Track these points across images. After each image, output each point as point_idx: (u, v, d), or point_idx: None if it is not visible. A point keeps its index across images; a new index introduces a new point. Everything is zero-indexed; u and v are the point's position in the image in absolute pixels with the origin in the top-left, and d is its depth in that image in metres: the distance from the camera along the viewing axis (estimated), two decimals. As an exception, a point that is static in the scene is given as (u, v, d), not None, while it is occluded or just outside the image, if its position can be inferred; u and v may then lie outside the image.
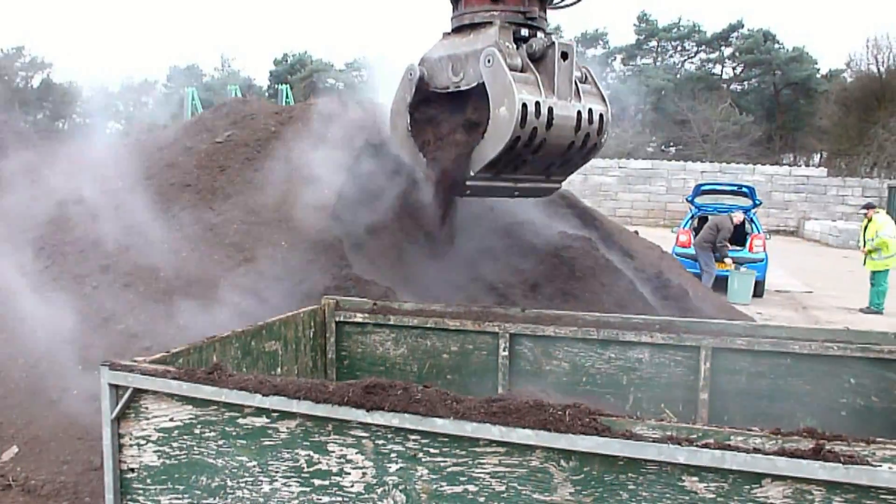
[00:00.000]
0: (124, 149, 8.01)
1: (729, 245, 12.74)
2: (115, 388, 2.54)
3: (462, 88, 4.27)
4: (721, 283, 12.72)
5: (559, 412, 2.03)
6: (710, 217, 14.32)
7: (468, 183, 4.18)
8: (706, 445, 1.90)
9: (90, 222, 6.21)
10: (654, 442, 1.93)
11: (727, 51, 48.31)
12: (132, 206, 6.39)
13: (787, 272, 16.59)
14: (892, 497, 1.78)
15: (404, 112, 4.51)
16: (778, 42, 46.19)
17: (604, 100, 4.45)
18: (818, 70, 45.60)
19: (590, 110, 4.27)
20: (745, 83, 48.88)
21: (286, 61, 49.67)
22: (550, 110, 4.03)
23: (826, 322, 10.70)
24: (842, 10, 75.12)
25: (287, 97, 22.83)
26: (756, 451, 1.87)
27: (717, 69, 49.37)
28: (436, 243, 6.07)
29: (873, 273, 12.53)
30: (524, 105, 3.88)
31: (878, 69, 36.95)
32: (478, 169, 4.08)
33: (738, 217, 13.10)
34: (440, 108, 4.47)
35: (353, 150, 6.83)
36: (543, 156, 4.24)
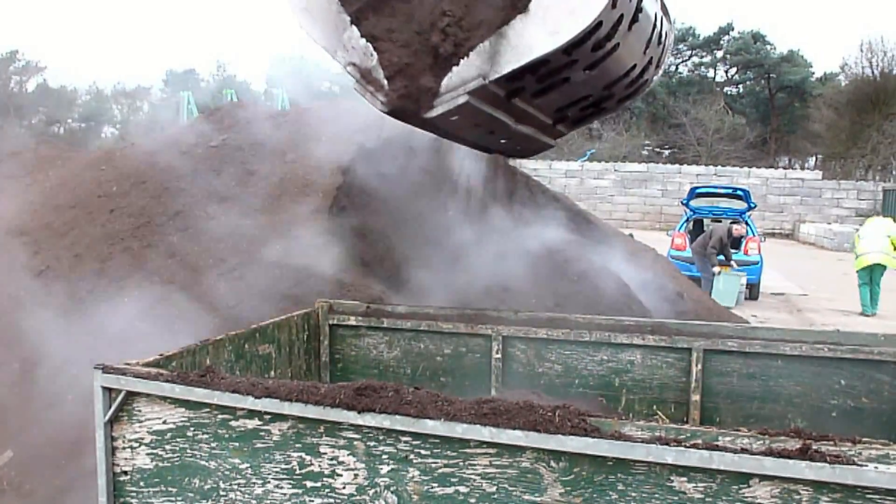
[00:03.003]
0: (120, 153, 8.02)
1: (717, 252, 12.72)
2: (108, 391, 2.55)
3: None
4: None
5: (549, 413, 2.04)
6: (705, 221, 14.39)
7: (468, 101, 2.47)
8: (694, 446, 1.91)
9: (85, 226, 6.22)
10: (642, 442, 1.95)
11: (719, 53, 48.52)
12: (127, 210, 6.40)
13: (782, 275, 16.65)
14: (878, 496, 1.80)
15: None
16: (769, 44, 46.44)
17: (667, 14, 3.07)
18: (812, 73, 45.87)
19: (662, 20, 2.92)
20: (740, 86, 49.14)
21: (282, 65, 49.71)
22: None
23: (820, 324, 10.75)
24: (836, 13, 75.53)
25: (283, 101, 22.83)
26: (744, 451, 1.88)
27: (711, 72, 49.58)
28: None
29: None
30: None
31: (873, 72, 37.16)
32: (501, 73, 2.38)
33: (739, 230, 13.16)
34: None
35: (348, 154, 6.85)
36: (589, 80, 2.73)
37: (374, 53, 2.56)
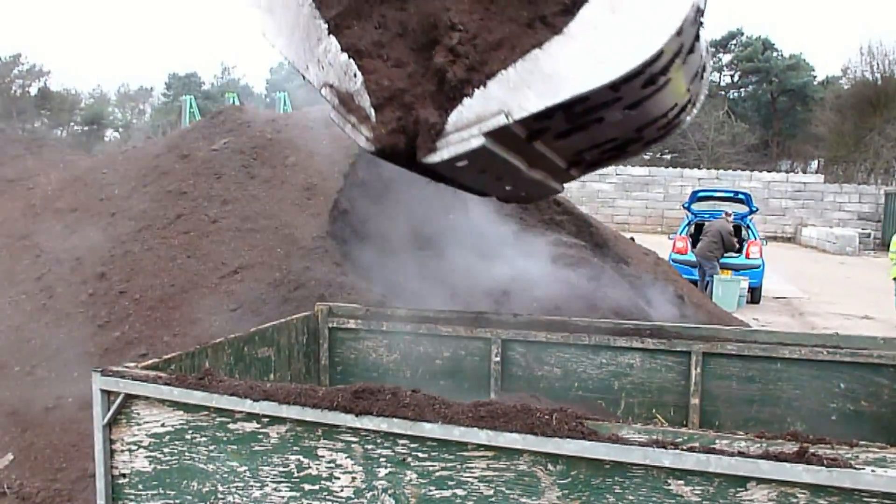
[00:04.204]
0: (122, 156, 8.04)
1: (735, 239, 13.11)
2: (107, 394, 2.55)
3: None
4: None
5: (546, 416, 2.04)
6: (706, 224, 14.41)
7: (484, 144, 1.98)
8: (691, 449, 1.91)
9: (87, 229, 6.23)
10: (639, 445, 1.95)
11: (726, 58, 48.48)
12: (129, 213, 6.41)
13: (783, 278, 16.63)
14: (875, 500, 1.80)
15: None
16: (776, 50, 46.44)
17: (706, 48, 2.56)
18: (814, 77, 45.87)
19: (707, 50, 2.52)
20: (742, 90, 49.09)
21: (283, 69, 49.86)
22: (701, 19, 2.12)
23: (822, 328, 10.73)
24: (838, 17, 75.55)
25: (285, 105, 22.88)
26: (741, 454, 1.88)
27: (715, 76, 49.56)
28: None
29: None
30: None
31: (874, 75, 37.16)
32: (530, 111, 1.92)
33: (730, 220, 13.40)
34: None
35: (349, 158, 6.87)
36: (624, 121, 2.28)
37: (359, 73, 2.02)
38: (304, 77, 2.16)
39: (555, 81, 1.85)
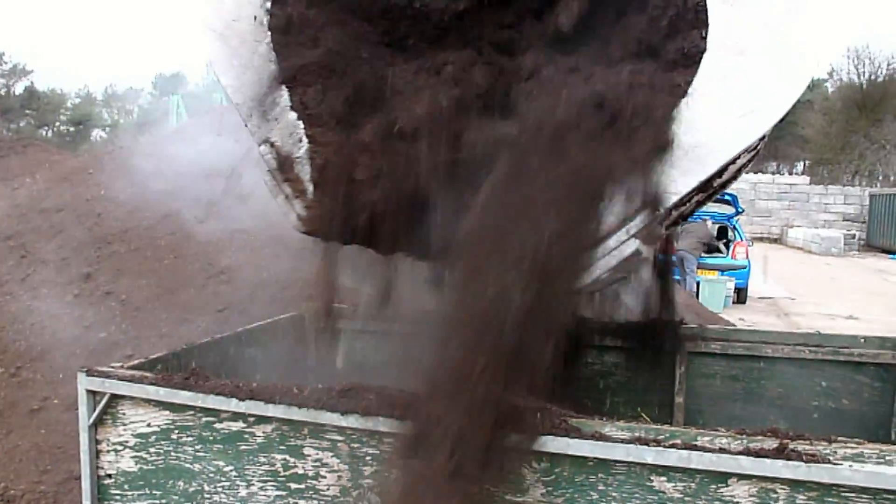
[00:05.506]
0: (108, 156, 8.00)
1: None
2: (93, 395, 2.54)
3: None
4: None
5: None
6: (687, 225, 14.58)
7: (638, 248, 1.69)
8: (673, 446, 1.94)
9: (73, 229, 6.20)
10: (622, 443, 1.97)
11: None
12: (115, 213, 6.38)
13: (770, 279, 16.75)
14: (853, 494, 1.83)
15: None
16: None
17: None
18: (800, 79, 46.17)
19: None
20: (729, 92, 49.38)
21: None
22: None
23: (807, 328, 10.82)
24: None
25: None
26: (722, 450, 1.91)
27: (702, 78, 49.83)
28: None
29: None
30: None
31: (860, 79, 37.55)
32: (681, 192, 1.61)
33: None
34: None
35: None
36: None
37: (304, 140, 1.64)
38: (244, 121, 1.83)
39: (699, 152, 1.56)
